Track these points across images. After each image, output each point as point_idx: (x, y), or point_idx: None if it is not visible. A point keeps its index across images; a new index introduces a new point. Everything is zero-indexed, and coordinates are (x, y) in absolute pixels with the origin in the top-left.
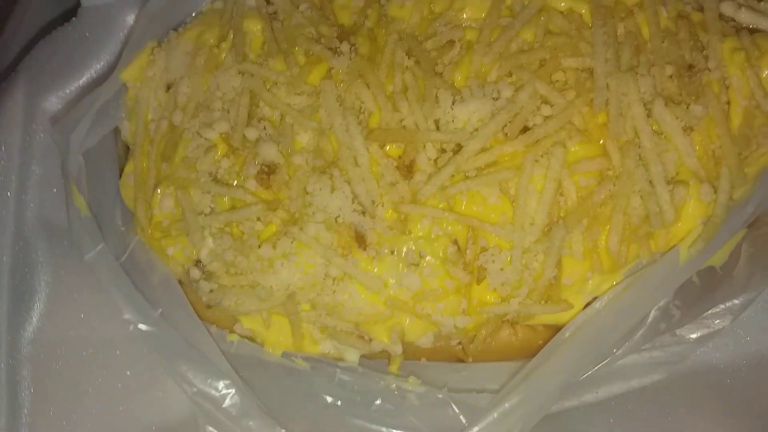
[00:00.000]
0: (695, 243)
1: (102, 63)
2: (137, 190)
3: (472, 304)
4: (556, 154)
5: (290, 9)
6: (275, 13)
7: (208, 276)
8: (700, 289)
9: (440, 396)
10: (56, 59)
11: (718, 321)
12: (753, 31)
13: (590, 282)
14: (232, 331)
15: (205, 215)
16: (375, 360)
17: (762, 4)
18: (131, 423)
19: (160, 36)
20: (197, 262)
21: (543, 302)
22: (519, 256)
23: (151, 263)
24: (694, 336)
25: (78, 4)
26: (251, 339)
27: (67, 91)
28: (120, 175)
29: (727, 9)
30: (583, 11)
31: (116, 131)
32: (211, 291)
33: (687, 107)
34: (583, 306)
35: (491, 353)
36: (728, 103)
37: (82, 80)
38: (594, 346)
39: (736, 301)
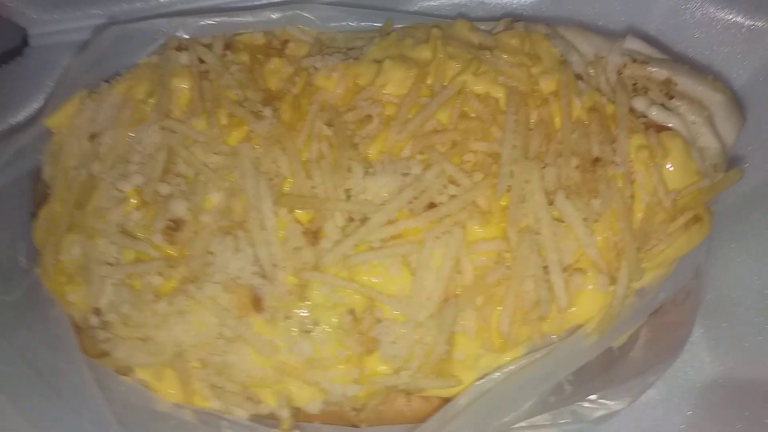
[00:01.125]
0: (590, 334)
1: (40, 103)
2: (48, 234)
3: (364, 373)
4: (455, 233)
5: (221, 69)
6: (207, 71)
7: (105, 325)
8: (595, 367)
9: None
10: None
11: (616, 402)
12: (661, 129)
13: (483, 359)
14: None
15: (109, 265)
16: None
17: (673, 101)
18: None
19: (91, 86)
20: (96, 310)
21: (433, 376)
22: (412, 330)
23: (52, 301)
24: (594, 416)
25: (25, 44)
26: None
27: (6, 128)
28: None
29: (639, 105)
30: (500, 95)
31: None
32: (107, 340)
33: (588, 201)
34: (473, 381)
35: (384, 420)
36: (632, 197)
37: (20, 118)
38: (489, 418)
39: (633, 383)
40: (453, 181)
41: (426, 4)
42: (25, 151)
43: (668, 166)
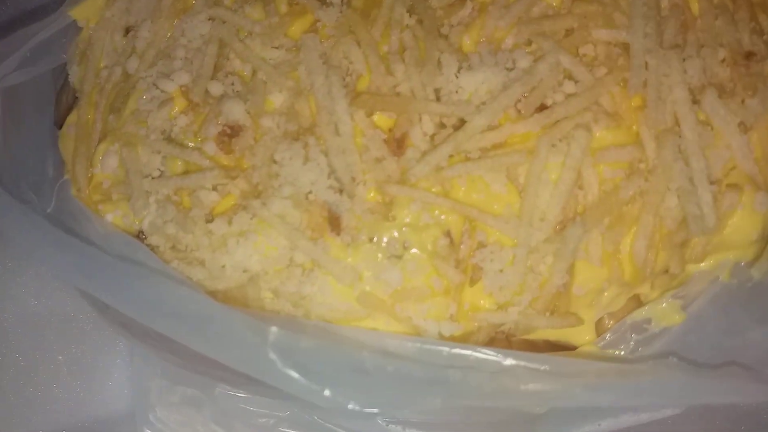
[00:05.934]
0: (760, 263)
1: None
2: (78, 144)
3: (463, 309)
4: (579, 138)
5: None
6: None
7: (152, 249)
8: None
9: None
10: None
11: None
12: None
13: (606, 294)
14: None
15: (153, 179)
16: None
17: None
18: (60, 418)
19: None
20: (140, 233)
21: (547, 314)
22: (523, 257)
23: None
24: None
25: None
26: None
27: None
28: (60, 123)
29: None
30: None
31: (63, 73)
32: None
33: (742, 101)
34: (594, 322)
35: None
36: None
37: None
38: None
39: None
40: (571, 77)
41: None
42: (49, 47)
43: None
